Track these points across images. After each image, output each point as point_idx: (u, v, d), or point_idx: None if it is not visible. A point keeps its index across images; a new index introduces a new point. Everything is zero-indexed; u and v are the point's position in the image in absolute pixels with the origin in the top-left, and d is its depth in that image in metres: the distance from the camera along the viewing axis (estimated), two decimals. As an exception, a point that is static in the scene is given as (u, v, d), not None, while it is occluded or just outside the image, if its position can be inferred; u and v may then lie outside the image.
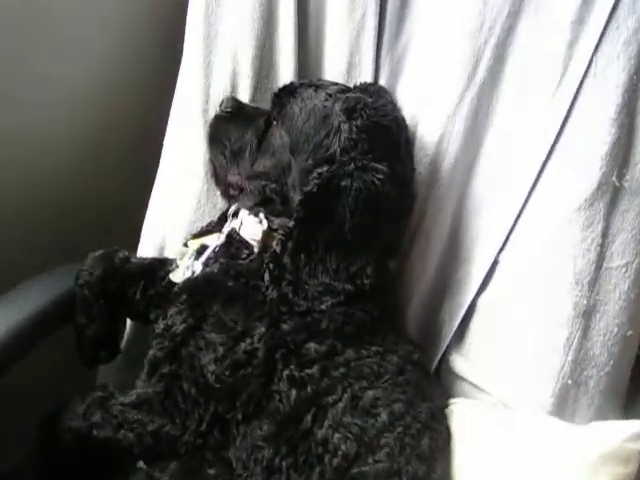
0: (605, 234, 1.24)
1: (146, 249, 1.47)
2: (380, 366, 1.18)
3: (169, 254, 1.44)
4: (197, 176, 1.43)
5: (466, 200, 1.38)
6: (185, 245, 1.38)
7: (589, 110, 1.25)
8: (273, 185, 1.28)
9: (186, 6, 1.44)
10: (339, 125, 1.23)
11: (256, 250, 1.28)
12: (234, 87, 1.41)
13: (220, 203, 1.43)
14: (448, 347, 1.37)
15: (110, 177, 1.58)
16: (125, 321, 1.43)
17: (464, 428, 1.22)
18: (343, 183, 1.19)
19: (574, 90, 1.25)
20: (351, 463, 1.09)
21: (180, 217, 1.44)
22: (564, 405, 1.25)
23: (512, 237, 1.31)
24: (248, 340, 1.17)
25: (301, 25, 1.40)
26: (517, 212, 1.31)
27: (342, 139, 1.22)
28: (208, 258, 1.30)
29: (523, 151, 1.32)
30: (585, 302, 1.24)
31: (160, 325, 1.25)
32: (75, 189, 1.55)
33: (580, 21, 1.26)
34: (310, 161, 1.24)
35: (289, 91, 1.29)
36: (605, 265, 1.25)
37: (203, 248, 1.33)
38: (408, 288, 1.40)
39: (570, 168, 1.26)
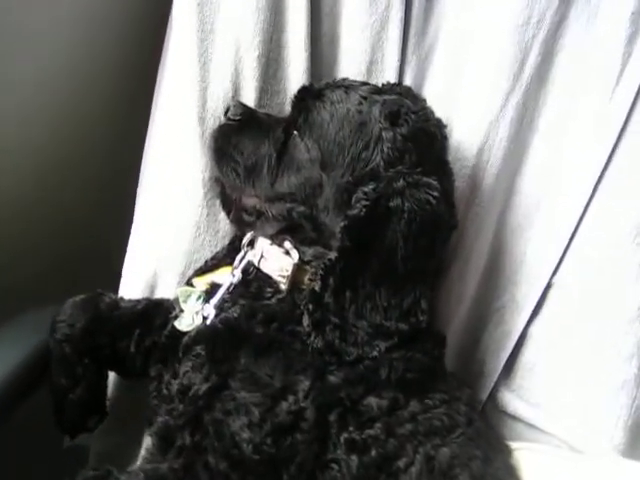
0: None
1: (130, 290, 1.22)
2: (450, 417, 1.00)
3: (163, 295, 1.20)
4: (194, 198, 1.19)
5: (509, 217, 1.22)
6: (189, 284, 1.14)
7: (651, 114, 1.12)
8: (301, 208, 1.06)
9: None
10: (380, 133, 1.03)
11: (284, 287, 1.06)
12: (236, 90, 1.18)
13: (222, 230, 1.20)
14: (495, 383, 1.22)
15: (78, 200, 1.30)
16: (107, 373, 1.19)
17: (533, 477, 1.07)
18: (392, 204, 1.00)
19: (634, 92, 1.12)
20: None
21: (174, 249, 1.20)
22: (636, 443, 1.12)
23: (567, 258, 1.17)
24: (291, 398, 0.96)
25: (313, 18, 1.19)
26: (572, 230, 1.16)
27: (385, 150, 1.02)
28: (222, 300, 1.08)
29: (575, 161, 1.17)
30: None
31: (173, 386, 1.01)
32: (37, 212, 1.27)
33: None
34: (348, 178, 1.03)
35: (314, 94, 1.08)
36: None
37: (214, 287, 1.10)
38: (443, 317, 1.23)
39: (630, 184, 1.13)
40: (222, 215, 1.19)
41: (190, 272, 1.19)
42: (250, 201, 1.10)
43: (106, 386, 1.15)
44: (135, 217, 1.24)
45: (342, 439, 0.95)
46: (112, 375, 1.20)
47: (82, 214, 1.33)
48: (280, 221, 1.08)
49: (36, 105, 1.24)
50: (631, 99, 1.12)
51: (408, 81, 1.23)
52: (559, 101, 1.19)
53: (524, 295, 1.20)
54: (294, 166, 1.07)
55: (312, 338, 0.99)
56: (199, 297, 1.11)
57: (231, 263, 1.12)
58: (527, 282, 1.20)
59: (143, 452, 1.04)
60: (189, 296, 1.12)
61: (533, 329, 1.20)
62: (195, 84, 1.16)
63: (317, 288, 1.00)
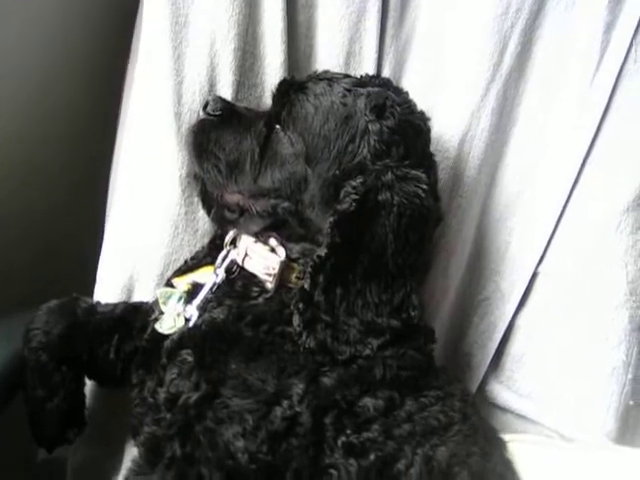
0: None
1: (106, 294, 1.16)
2: (446, 415, 0.97)
3: (141, 298, 1.15)
4: (172, 197, 1.14)
5: (491, 207, 1.21)
6: (168, 285, 1.09)
7: (631, 100, 1.13)
8: (286, 204, 1.03)
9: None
10: (366, 126, 1.00)
11: (270, 286, 1.03)
12: (212, 84, 1.14)
13: (201, 229, 1.16)
14: (484, 375, 1.21)
15: (46, 199, 1.24)
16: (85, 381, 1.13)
17: (529, 469, 1.06)
18: (381, 197, 0.97)
19: (614, 78, 1.12)
20: None
21: (151, 250, 1.15)
22: (625, 429, 1.13)
23: (552, 247, 1.17)
24: (285, 403, 0.92)
25: (289, 10, 1.15)
26: (557, 218, 1.16)
27: (372, 143, 1.00)
28: (205, 300, 1.04)
29: (557, 148, 1.17)
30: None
31: (160, 394, 0.96)
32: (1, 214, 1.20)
33: (618, 0, 1.13)
34: (335, 171, 1.00)
35: (296, 86, 1.04)
36: (656, 270, 1.14)
37: (195, 288, 1.06)
38: (428, 311, 1.20)
39: (613, 166, 1.14)
40: (201, 214, 1.15)
41: (169, 273, 1.14)
42: (233, 198, 1.06)
43: (84, 395, 1.10)
44: (108, 218, 1.18)
45: (339, 443, 0.91)
46: (88, 384, 1.15)
47: (50, 215, 1.27)
48: (265, 217, 1.05)
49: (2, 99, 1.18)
50: (611, 85, 1.13)
51: (386, 73, 1.21)
52: (539, 89, 1.19)
53: (510, 285, 1.20)
54: (278, 161, 1.04)
55: (304, 338, 0.96)
56: (180, 298, 1.06)
57: (212, 262, 1.08)
58: (512, 272, 1.20)
59: (129, 464, 0.98)
60: (169, 297, 1.07)
61: (520, 319, 1.19)
62: (170, 78, 1.12)
63: (306, 286, 0.97)
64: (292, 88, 1.05)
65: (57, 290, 1.11)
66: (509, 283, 1.20)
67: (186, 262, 1.13)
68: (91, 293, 1.19)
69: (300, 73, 1.16)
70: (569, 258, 1.16)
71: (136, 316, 1.10)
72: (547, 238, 1.17)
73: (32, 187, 1.27)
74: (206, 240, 1.16)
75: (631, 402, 1.12)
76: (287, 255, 1.03)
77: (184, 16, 1.12)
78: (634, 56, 1.11)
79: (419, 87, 1.18)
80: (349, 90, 1.03)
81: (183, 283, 1.08)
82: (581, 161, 1.15)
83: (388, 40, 1.21)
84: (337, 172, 1.00)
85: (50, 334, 1.04)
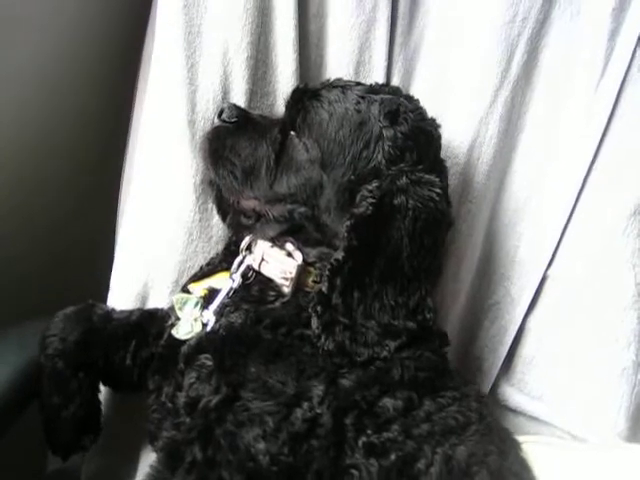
0: None
1: (120, 301, 1.16)
2: (463, 415, 0.98)
3: (156, 305, 1.16)
4: (186, 204, 1.15)
5: (500, 212, 1.23)
6: (184, 291, 1.10)
7: (636, 106, 1.15)
8: (302, 209, 1.04)
9: None
10: (380, 131, 1.02)
11: (287, 290, 1.04)
12: (225, 92, 1.15)
13: (215, 236, 1.17)
14: (495, 378, 1.22)
15: (58, 206, 1.24)
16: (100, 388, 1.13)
17: (543, 470, 1.07)
18: (397, 201, 0.99)
19: (618, 84, 1.15)
20: None
21: (166, 257, 1.16)
22: (637, 428, 1.15)
23: (560, 251, 1.19)
24: (305, 405, 0.93)
25: (301, 19, 1.17)
26: (565, 222, 1.18)
27: (386, 148, 1.02)
28: (222, 305, 1.04)
29: (564, 154, 1.20)
30: None
31: (179, 399, 0.97)
32: (13, 221, 1.21)
33: (622, 8, 1.15)
34: (350, 176, 1.02)
35: (310, 94, 1.06)
36: (661, 272, 1.16)
37: (212, 293, 1.07)
38: (439, 315, 1.21)
39: (619, 171, 1.16)
40: (215, 220, 1.17)
41: (183, 280, 1.15)
42: (249, 203, 1.07)
43: (100, 402, 1.10)
44: (121, 227, 1.19)
45: (360, 443, 0.92)
46: (102, 391, 1.15)
47: (60, 224, 1.27)
48: (281, 223, 1.06)
49: (12, 109, 1.19)
50: (616, 91, 1.15)
51: (396, 81, 1.24)
52: (545, 96, 1.21)
53: (519, 289, 1.22)
54: (293, 167, 1.06)
55: (322, 340, 0.97)
56: (197, 304, 1.07)
57: (228, 268, 1.09)
58: (521, 276, 1.22)
59: (147, 469, 0.98)
60: (185, 303, 1.08)
61: (530, 322, 1.21)
62: (183, 87, 1.13)
63: (324, 289, 0.98)
64: (306, 95, 1.06)
65: (68, 299, 1.12)
66: (519, 287, 1.22)
67: (201, 268, 1.14)
68: (103, 301, 1.19)
69: (311, 82, 1.17)
70: (577, 262, 1.18)
71: (152, 322, 1.10)
72: (555, 242, 1.19)
73: (42, 196, 1.28)
74: (220, 247, 1.17)
75: (641, 402, 1.14)
76: (304, 259, 1.04)
77: (197, 25, 1.13)
78: (638, 63, 1.14)
79: (428, 94, 1.19)
80: (362, 97, 1.05)
81: (199, 289, 1.09)
82: (587, 167, 1.17)
83: (397, 49, 1.23)
84: (352, 177, 1.02)
85: (66, 341, 1.05)
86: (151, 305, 1.16)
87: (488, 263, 1.24)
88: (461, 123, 1.19)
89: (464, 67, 1.21)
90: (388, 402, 0.95)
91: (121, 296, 1.17)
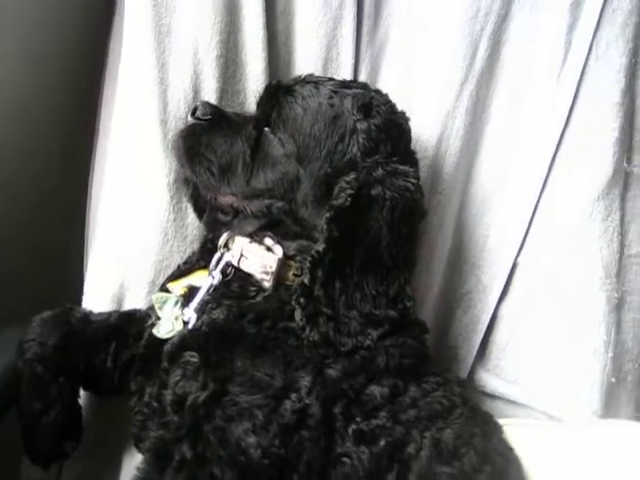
0: (622, 222, 1.20)
1: (95, 303, 1.14)
2: (447, 399, 1.00)
3: (132, 306, 1.14)
4: (160, 204, 1.14)
5: (469, 203, 1.26)
6: (163, 290, 1.09)
7: (595, 96, 1.20)
8: (280, 203, 1.05)
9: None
10: (354, 125, 1.04)
11: (268, 284, 1.04)
12: (196, 91, 1.15)
13: (190, 235, 1.17)
14: (471, 365, 1.25)
15: (22, 209, 1.21)
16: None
17: (524, 450, 1.10)
18: (374, 192, 1.01)
19: (578, 76, 1.19)
20: None
21: (142, 257, 1.15)
22: (610, 405, 1.19)
23: (529, 237, 1.23)
24: (294, 396, 0.93)
25: (268, 17, 1.18)
26: (532, 210, 1.22)
27: (361, 141, 1.03)
28: (203, 303, 1.04)
29: (529, 144, 1.23)
30: (616, 295, 1.19)
31: (166, 397, 0.96)
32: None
33: (577, 3, 1.20)
34: (327, 169, 1.04)
35: (284, 89, 1.07)
36: (626, 253, 1.21)
37: (191, 291, 1.06)
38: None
39: (582, 157, 1.21)
40: (189, 220, 1.16)
41: (160, 280, 1.14)
42: (226, 199, 1.07)
43: (80, 407, 1.08)
44: (96, 228, 1.18)
45: (350, 431, 0.93)
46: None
47: (29, 226, 1.25)
48: (260, 218, 1.06)
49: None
50: (576, 82, 1.20)
51: (363, 77, 1.26)
52: (508, 89, 1.25)
53: (491, 278, 1.25)
54: (269, 162, 1.06)
55: (307, 332, 0.97)
56: (177, 302, 1.06)
57: (206, 266, 1.09)
58: (492, 265, 1.25)
59: (134, 472, 0.97)
60: (165, 302, 1.07)
61: (503, 309, 1.24)
62: (154, 86, 1.13)
63: (306, 281, 0.99)
64: (280, 91, 1.07)
65: (39, 304, 1.10)
66: (490, 276, 1.25)
67: (179, 267, 1.13)
68: (76, 304, 1.18)
69: (281, 79, 1.19)
70: (546, 248, 1.22)
71: (131, 324, 1.09)
72: (524, 230, 1.23)
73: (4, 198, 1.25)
74: (195, 246, 1.17)
75: (613, 379, 1.17)
76: (284, 253, 1.05)
77: (167, 25, 1.13)
78: (595, 54, 1.19)
79: (395, 90, 1.20)
80: (335, 92, 1.07)
81: (179, 287, 1.08)
82: (551, 155, 1.21)
83: (364, 46, 1.25)
84: (329, 170, 1.03)
85: (45, 345, 1.03)
86: (127, 307, 1.15)
87: (459, 253, 1.27)
88: (429, 117, 1.22)
89: (430, 63, 1.24)
90: (375, 390, 0.97)
91: (96, 298, 1.15)
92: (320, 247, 0.99)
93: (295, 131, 1.05)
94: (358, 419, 0.94)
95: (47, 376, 1.02)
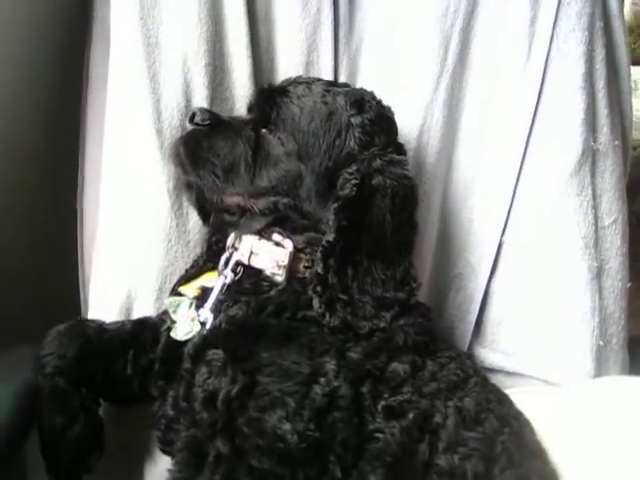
0: (594, 196, 1.29)
1: (103, 315, 1.14)
2: (462, 370, 1.06)
3: (142, 313, 1.15)
4: (162, 211, 1.16)
5: (452, 190, 1.34)
6: (176, 294, 1.11)
7: (559, 81, 1.29)
8: (285, 200, 1.09)
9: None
10: (349, 120, 1.10)
11: (281, 278, 1.07)
12: (188, 99, 1.18)
13: (193, 240, 1.19)
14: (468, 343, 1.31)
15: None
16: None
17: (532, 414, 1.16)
18: (375, 182, 1.06)
19: (542, 65, 1.29)
20: None
21: (147, 266, 1.17)
22: (600, 368, 1.27)
23: (511, 217, 1.30)
24: (322, 380, 0.97)
25: (250, 25, 1.22)
26: (512, 191, 1.30)
27: (357, 135, 1.09)
28: (218, 302, 1.06)
29: (503, 131, 1.32)
30: (595, 264, 1.27)
31: (197, 395, 0.97)
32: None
33: None
34: (328, 164, 1.08)
35: (280, 91, 1.12)
36: (600, 225, 1.29)
37: (204, 292, 1.09)
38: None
39: (553, 139, 1.29)
40: (191, 225, 1.19)
41: (167, 287, 1.16)
42: (233, 200, 1.10)
43: (102, 418, 1.08)
44: (98, 241, 1.18)
45: (379, 407, 0.97)
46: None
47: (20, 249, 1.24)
48: (267, 215, 1.10)
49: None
50: (541, 71, 1.29)
51: (342, 78, 1.31)
52: (480, 81, 1.33)
53: (479, 259, 1.32)
54: (271, 161, 1.10)
55: (327, 318, 1.01)
56: (191, 304, 1.08)
57: (214, 268, 1.11)
58: (478, 246, 1.32)
59: (168, 474, 0.98)
60: (178, 305, 1.09)
61: (494, 287, 1.31)
62: (147, 97, 1.15)
63: (320, 270, 1.03)
64: (276, 93, 1.12)
65: (38, 319, 1.10)
66: (477, 256, 1.32)
67: (187, 271, 1.15)
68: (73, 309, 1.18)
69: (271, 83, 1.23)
70: (528, 226, 1.31)
71: (146, 330, 1.10)
72: (506, 211, 1.31)
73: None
74: (198, 250, 1.19)
75: (601, 342, 1.26)
76: (294, 246, 1.09)
77: (155, 37, 1.17)
78: (556, 44, 1.29)
79: (374, 89, 1.26)
80: (327, 90, 1.12)
81: (191, 290, 1.11)
82: (525, 140, 1.30)
83: (341, 48, 1.31)
84: (330, 164, 1.08)
85: (65, 357, 1.03)
86: (136, 315, 1.16)
87: (446, 238, 1.34)
88: (409, 111, 1.29)
89: (405, 61, 1.31)
90: (397, 367, 1.01)
91: (104, 311, 1.16)
92: (330, 237, 1.03)
93: (294, 130, 1.09)
94: (385, 395, 0.98)
95: (69, 389, 1.02)
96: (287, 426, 0.93)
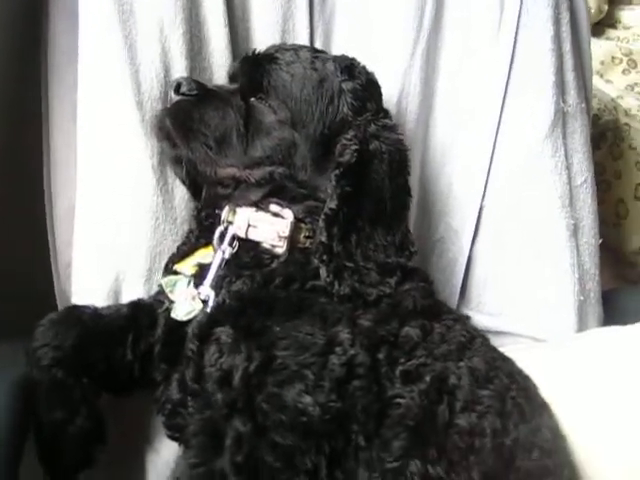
0: (567, 157, 1.33)
1: (90, 300, 1.07)
2: (467, 332, 1.07)
3: (132, 296, 1.09)
4: (147, 188, 1.10)
5: (430, 155, 1.34)
6: (171, 272, 1.06)
7: (530, 43, 1.31)
8: (281, 169, 1.06)
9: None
10: (340, 86, 1.08)
11: (282, 250, 1.04)
12: (167, 69, 1.13)
13: (180, 217, 1.14)
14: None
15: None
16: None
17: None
18: (372, 147, 1.05)
19: (514, 27, 1.30)
20: (500, 437, 0.97)
21: (135, 245, 1.10)
22: (581, 322, 1.31)
23: (490, 180, 1.32)
24: (339, 349, 0.95)
25: (224, -1, 1.18)
26: (490, 154, 1.31)
27: (349, 100, 1.07)
28: (218, 278, 1.02)
29: (477, 95, 1.33)
30: (572, 222, 1.31)
31: (211, 375, 0.93)
32: None
33: None
34: (323, 130, 1.06)
35: (268, 58, 1.08)
36: (573, 184, 1.33)
37: (202, 269, 1.04)
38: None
39: (528, 101, 1.32)
40: (177, 201, 1.14)
41: (157, 267, 1.11)
42: (227, 171, 1.06)
43: (101, 410, 1.02)
44: (77, 224, 1.10)
45: (397, 373, 0.96)
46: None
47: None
48: (263, 185, 1.07)
49: None
50: (513, 34, 1.30)
51: (318, 45, 1.29)
52: (454, 46, 1.34)
53: (460, 222, 1.33)
54: (263, 130, 1.07)
55: (337, 287, 1.00)
56: (189, 282, 1.04)
57: (208, 244, 1.07)
58: (459, 210, 1.33)
59: (180, 461, 0.93)
60: (175, 285, 1.05)
61: (477, 249, 1.33)
62: (125, 68, 1.09)
63: (324, 239, 1.01)
64: (264, 60, 1.08)
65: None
66: (459, 220, 1.34)
67: (178, 249, 1.10)
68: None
69: (242, 54, 1.18)
70: (507, 188, 1.33)
71: (141, 313, 1.05)
72: (485, 174, 1.32)
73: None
74: (185, 227, 1.15)
75: (581, 297, 1.30)
76: (295, 216, 1.06)
77: (129, 4, 1.10)
78: (526, 8, 1.31)
79: (350, 53, 1.25)
80: (315, 57, 1.10)
81: (187, 267, 1.06)
82: (500, 104, 1.32)
83: (316, 15, 1.28)
84: (325, 131, 1.06)
85: (62, 347, 0.97)
86: (126, 299, 1.10)
87: (427, 204, 1.34)
88: (387, 77, 1.26)
89: (381, 26, 1.30)
90: (409, 331, 1.01)
91: (89, 296, 1.09)
92: (333, 204, 1.01)
93: (286, 97, 1.06)
94: (402, 360, 0.98)
95: (69, 380, 0.96)
96: (308, 399, 0.91)
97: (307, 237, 1.06)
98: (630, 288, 1.85)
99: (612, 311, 1.40)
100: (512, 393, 1.02)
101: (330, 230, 1.01)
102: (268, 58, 1.08)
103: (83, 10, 1.09)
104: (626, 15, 2.58)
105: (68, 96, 1.14)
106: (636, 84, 2.21)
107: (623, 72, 2.25)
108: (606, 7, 2.44)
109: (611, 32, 2.44)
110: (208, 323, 0.98)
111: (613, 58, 2.26)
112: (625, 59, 2.27)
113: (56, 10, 1.16)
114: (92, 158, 1.11)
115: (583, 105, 1.37)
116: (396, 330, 1.00)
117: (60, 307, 1.15)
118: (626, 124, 1.92)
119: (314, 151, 1.06)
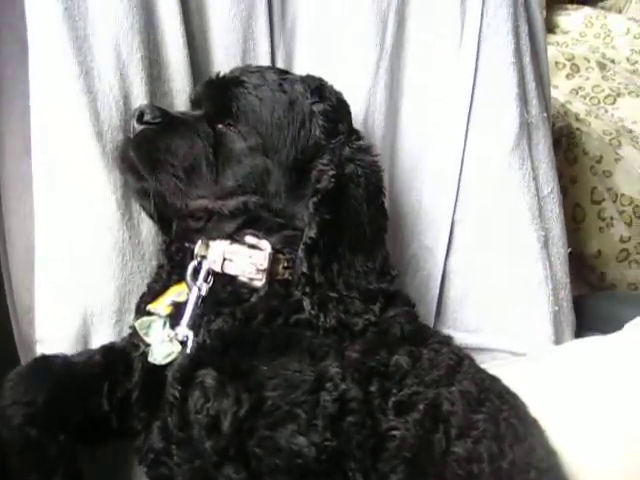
0: (533, 168, 1.33)
1: (56, 348, 1.00)
2: (454, 354, 1.04)
3: (102, 339, 1.02)
4: (112, 223, 1.04)
5: (397, 173, 1.32)
6: (144, 314, 0.99)
7: (492, 58, 1.31)
8: (254, 198, 1.01)
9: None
10: (311, 108, 1.04)
11: (260, 283, 0.99)
12: (126, 96, 1.07)
13: (148, 252, 1.08)
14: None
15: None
16: None
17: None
18: (347, 171, 1.01)
19: (476, 41, 1.29)
20: (497, 461, 0.96)
21: (102, 285, 1.04)
22: (557, 332, 1.31)
23: (460, 195, 1.31)
24: (329, 385, 0.91)
25: (184, 15, 1.12)
26: (458, 170, 1.30)
27: (320, 123, 1.04)
28: (196, 316, 0.97)
29: (442, 111, 1.31)
30: (543, 233, 1.31)
31: (201, 420, 0.87)
32: None
33: None
34: (296, 156, 1.02)
35: (233, 82, 1.03)
36: (540, 195, 1.33)
37: (177, 308, 0.98)
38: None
39: (493, 115, 1.31)
40: (143, 236, 1.08)
41: (126, 307, 1.05)
42: (199, 203, 1.00)
43: (81, 465, 0.94)
44: (37, 264, 1.03)
45: (390, 404, 0.93)
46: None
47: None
48: (237, 216, 1.01)
49: None
50: (475, 48, 1.29)
51: (280, 64, 1.25)
52: (417, 60, 1.32)
53: (433, 239, 1.31)
54: (234, 158, 1.02)
55: (322, 319, 0.96)
56: (164, 323, 0.98)
57: (181, 280, 1.02)
58: (431, 226, 1.31)
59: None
60: (149, 327, 0.99)
61: (452, 266, 1.32)
62: (82, 96, 1.02)
63: (305, 270, 0.97)
64: (230, 84, 1.03)
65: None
66: (431, 237, 1.32)
67: (149, 288, 1.04)
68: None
69: (203, 77, 1.14)
70: (477, 202, 1.32)
71: (114, 358, 0.98)
72: (455, 188, 1.31)
73: None
74: (154, 263, 1.08)
75: (556, 308, 1.31)
76: (272, 247, 1.01)
77: (82, 29, 1.03)
78: (487, 21, 1.30)
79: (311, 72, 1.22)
80: (283, 78, 1.06)
81: (162, 307, 1.00)
82: (465, 118, 1.31)
83: (277, 35, 1.25)
84: (298, 156, 1.02)
85: (34, 403, 0.89)
86: (96, 342, 1.03)
87: (398, 221, 1.31)
88: (353, 95, 1.21)
89: (342, 45, 1.27)
90: (399, 360, 0.97)
91: (56, 342, 1.02)
92: (312, 233, 0.97)
93: (256, 122, 1.02)
94: (394, 391, 0.95)
95: (44, 438, 0.89)
96: (302, 440, 0.87)
97: (286, 268, 1.01)
98: (598, 294, 1.89)
99: (582, 318, 1.42)
100: (504, 414, 1.00)
101: (311, 260, 0.97)
102: (234, 81, 1.03)
103: (32, 35, 1.01)
104: (563, 20, 2.66)
105: (19, 127, 1.07)
106: (580, 88, 2.26)
107: (567, 77, 2.29)
108: (544, 13, 2.49)
109: (551, 37, 2.48)
110: (190, 366, 0.92)
111: (556, 63, 2.30)
112: (568, 64, 2.32)
113: (1, 35, 1.09)
114: (50, 193, 1.04)
115: (544, 115, 1.37)
116: (386, 360, 0.96)
117: (21, 355, 1.08)
118: (578, 129, 1.96)
119: (288, 177, 1.02)
